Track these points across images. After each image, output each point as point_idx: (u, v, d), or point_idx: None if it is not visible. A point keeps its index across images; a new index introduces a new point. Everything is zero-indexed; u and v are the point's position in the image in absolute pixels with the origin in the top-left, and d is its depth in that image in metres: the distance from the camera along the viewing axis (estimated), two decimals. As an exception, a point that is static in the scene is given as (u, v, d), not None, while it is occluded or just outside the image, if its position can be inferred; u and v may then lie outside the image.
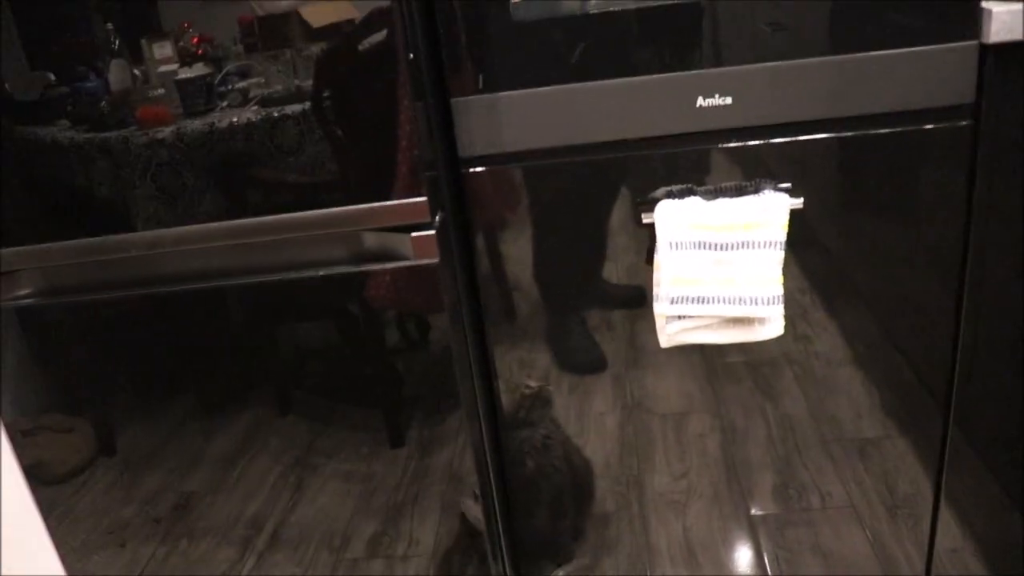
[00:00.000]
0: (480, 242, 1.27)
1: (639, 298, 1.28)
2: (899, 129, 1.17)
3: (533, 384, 1.36)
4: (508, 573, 1.43)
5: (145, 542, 1.38)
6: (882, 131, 1.17)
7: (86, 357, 1.29)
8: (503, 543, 1.43)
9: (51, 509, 1.37)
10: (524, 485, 1.43)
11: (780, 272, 1.17)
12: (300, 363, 1.29)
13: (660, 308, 1.20)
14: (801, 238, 1.22)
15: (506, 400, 1.36)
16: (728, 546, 1.46)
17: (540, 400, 1.37)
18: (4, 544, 1.39)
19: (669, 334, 1.22)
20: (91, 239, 1.18)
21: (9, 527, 1.38)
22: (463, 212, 1.25)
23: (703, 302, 1.17)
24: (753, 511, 1.44)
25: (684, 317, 1.20)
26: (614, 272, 1.29)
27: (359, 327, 1.26)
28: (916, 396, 1.34)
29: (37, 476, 1.35)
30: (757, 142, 1.19)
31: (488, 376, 1.36)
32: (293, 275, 1.18)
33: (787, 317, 1.24)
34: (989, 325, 1.27)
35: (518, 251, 1.28)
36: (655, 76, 1.16)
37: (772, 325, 1.19)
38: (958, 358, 1.29)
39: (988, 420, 1.34)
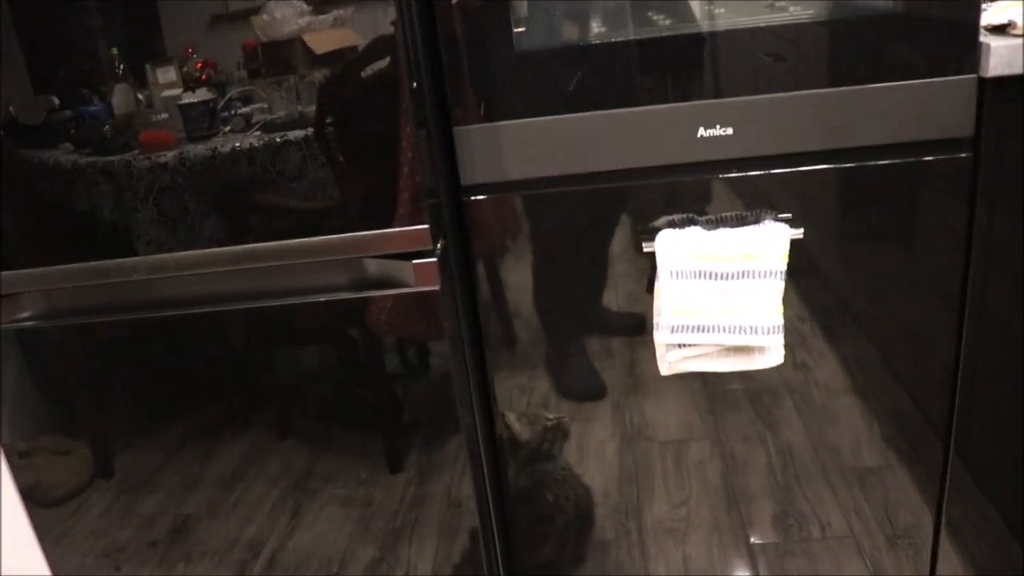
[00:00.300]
0: (481, 269, 1.27)
1: (639, 326, 1.28)
2: (899, 161, 1.17)
3: (552, 416, 1.36)
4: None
5: (141, 565, 1.37)
6: (882, 163, 1.18)
7: (85, 380, 1.29)
8: (501, 571, 1.42)
9: (47, 531, 1.37)
10: (534, 517, 1.43)
11: (780, 302, 1.17)
12: (299, 388, 1.29)
13: (660, 337, 1.20)
14: (801, 267, 1.23)
15: (529, 433, 1.36)
16: (727, 574, 1.46)
17: (561, 431, 1.37)
18: (1, 566, 1.39)
19: (670, 362, 1.22)
20: (93, 263, 1.18)
21: (5, 549, 1.37)
22: (464, 239, 1.25)
23: (703, 331, 1.17)
24: (753, 540, 1.43)
25: (684, 345, 1.20)
26: (614, 300, 1.29)
27: (359, 352, 1.26)
28: (916, 425, 1.33)
29: (34, 498, 1.35)
30: (758, 172, 1.19)
31: (488, 403, 1.36)
32: (294, 301, 1.18)
33: (787, 346, 1.24)
34: (989, 355, 1.27)
35: (518, 278, 1.29)
36: (656, 107, 1.17)
37: (772, 354, 1.19)
38: (958, 388, 1.29)
39: (989, 450, 1.34)
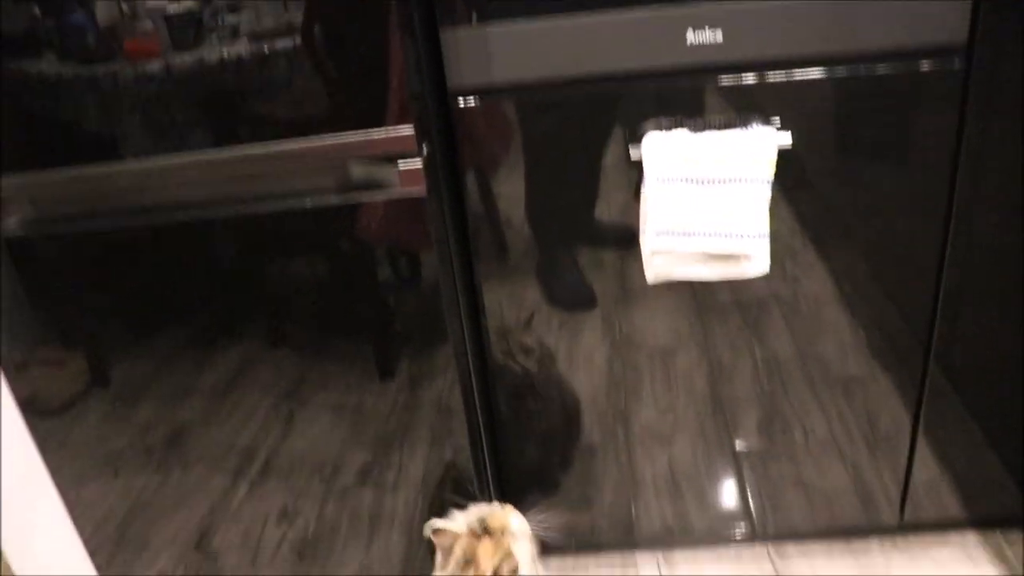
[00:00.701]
0: (471, 180, 1.27)
1: (630, 236, 1.28)
2: (891, 70, 1.16)
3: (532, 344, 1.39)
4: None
5: (139, 471, 1.40)
6: (874, 70, 1.16)
7: (77, 290, 1.30)
8: (490, 475, 1.46)
9: (46, 440, 1.39)
10: (523, 424, 1.45)
11: (767, 208, 1.17)
12: (291, 297, 1.29)
13: (646, 242, 1.20)
14: (791, 180, 1.23)
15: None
16: (711, 477, 1.49)
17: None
18: (2, 474, 1.42)
19: (655, 268, 1.22)
20: (79, 169, 1.18)
21: (6, 458, 1.40)
22: (454, 149, 1.25)
23: (689, 236, 1.17)
24: (737, 444, 1.46)
25: (670, 251, 1.20)
26: (606, 211, 1.30)
27: (350, 262, 1.27)
28: (900, 336, 1.35)
29: (31, 408, 1.37)
30: (748, 77, 1.18)
31: (477, 311, 1.37)
32: (281, 204, 1.17)
33: (777, 258, 1.25)
34: (974, 267, 1.28)
35: (510, 189, 1.28)
36: (646, 7, 1.14)
37: (758, 261, 1.19)
38: (941, 299, 1.31)
39: (969, 360, 1.36)
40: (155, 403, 1.36)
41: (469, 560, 1.13)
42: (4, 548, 1.51)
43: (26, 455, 1.40)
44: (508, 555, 1.13)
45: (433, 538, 1.18)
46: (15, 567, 1.54)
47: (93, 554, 1.46)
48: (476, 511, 1.20)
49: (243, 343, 1.31)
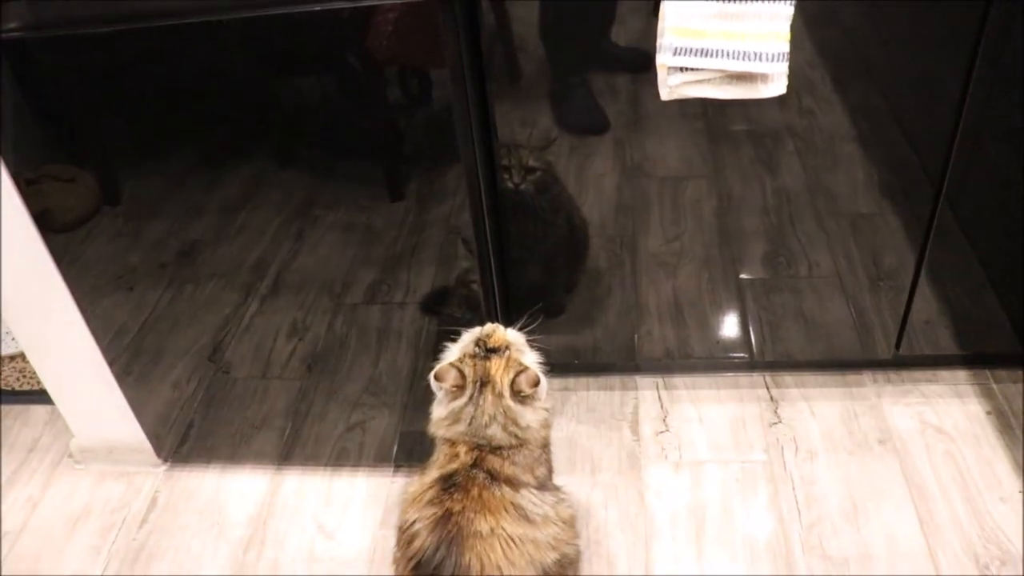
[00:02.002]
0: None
1: (646, 62, 1.24)
2: None
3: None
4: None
5: (153, 286, 1.43)
6: None
7: (83, 101, 1.27)
8: (497, 296, 1.49)
9: (62, 255, 1.41)
10: (530, 245, 1.46)
11: (788, 29, 1.13)
12: (302, 118, 1.28)
13: (662, 59, 1.16)
14: (816, 13, 1.18)
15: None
16: (714, 306, 1.52)
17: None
18: (21, 288, 1.44)
19: (670, 86, 1.19)
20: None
21: (26, 272, 1.42)
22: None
23: (706, 55, 1.13)
24: (742, 275, 1.48)
25: (686, 70, 1.17)
26: (622, 34, 1.26)
27: (360, 81, 1.24)
28: (913, 175, 1.35)
29: (44, 223, 1.37)
30: None
31: (488, 133, 1.36)
32: (290, 9, 1.14)
33: (793, 90, 1.22)
34: (994, 108, 1.25)
35: (524, 10, 1.24)
36: None
37: (775, 83, 1.16)
38: (957, 139, 1.29)
39: (979, 200, 1.36)
40: (166, 221, 1.37)
41: (485, 381, 1.15)
42: (29, 357, 1.56)
43: (43, 267, 1.42)
44: (522, 367, 1.16)
45: (437, 381, 1.18)
46: (41, 375, 1.59)
47: (111, 363, 1.51)
48: (469, 336, 1.21)
49: (253, 162, 1.31)
